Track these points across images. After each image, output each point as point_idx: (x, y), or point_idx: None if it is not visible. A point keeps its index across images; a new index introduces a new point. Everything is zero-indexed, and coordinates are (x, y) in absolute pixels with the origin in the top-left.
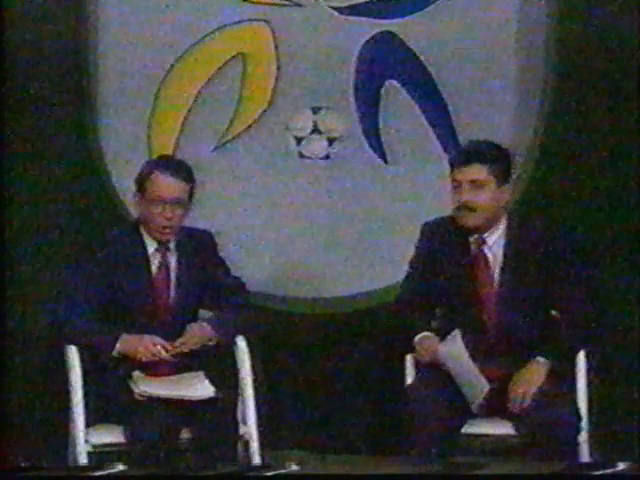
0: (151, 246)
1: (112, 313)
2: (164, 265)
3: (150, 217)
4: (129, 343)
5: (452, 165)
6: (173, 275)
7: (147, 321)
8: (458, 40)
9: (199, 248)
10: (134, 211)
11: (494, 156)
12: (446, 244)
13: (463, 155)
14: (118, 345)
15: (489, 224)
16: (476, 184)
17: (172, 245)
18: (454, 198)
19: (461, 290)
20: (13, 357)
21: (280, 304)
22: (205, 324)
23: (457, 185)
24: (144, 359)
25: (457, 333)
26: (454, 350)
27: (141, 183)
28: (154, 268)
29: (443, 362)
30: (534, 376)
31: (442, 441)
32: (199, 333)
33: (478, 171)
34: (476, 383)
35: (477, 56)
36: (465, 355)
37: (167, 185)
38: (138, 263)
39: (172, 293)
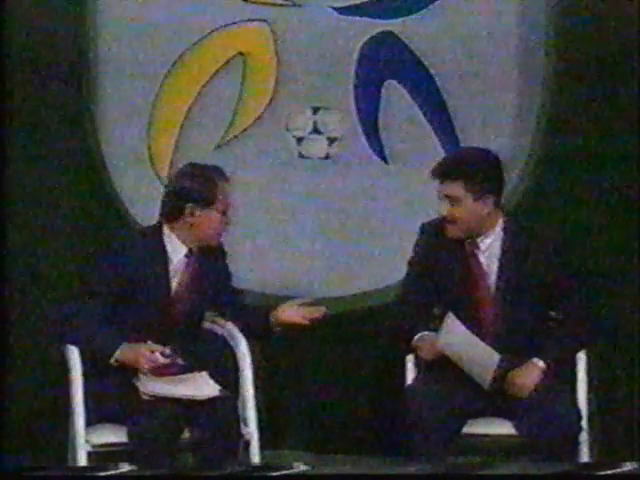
0: (180, 251)
1: (123, 315)
2: (188, 270)
3: (210, 224)
4: (128, 353)
5: (433, 176)
6: (194, 280)
7: (159, 323)
8: (458, 40)
9: (214, 252)
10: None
11: (468, 172)
12: (444, 245)
13: (438, 171)
14: (118, 354)
15: (477, 232)
16: (452, 199)
17: (196, 250)
18: (438, 209)
19: (458, 292)
20: (13, 357)
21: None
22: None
23: (438, 196)
24: (146, 367)
25: (451, 315)
26: (454, 333)
27: (208, 193)
28: (179, 272)
29: (446, 352)
30: (527, 377)
31: (442, 441)
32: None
33: (452, 188)
34: (485, 355)
35: (477, 56)
36: (466, 332)
37: (228, 193)
38: (158, 268)
39: (190, 297)
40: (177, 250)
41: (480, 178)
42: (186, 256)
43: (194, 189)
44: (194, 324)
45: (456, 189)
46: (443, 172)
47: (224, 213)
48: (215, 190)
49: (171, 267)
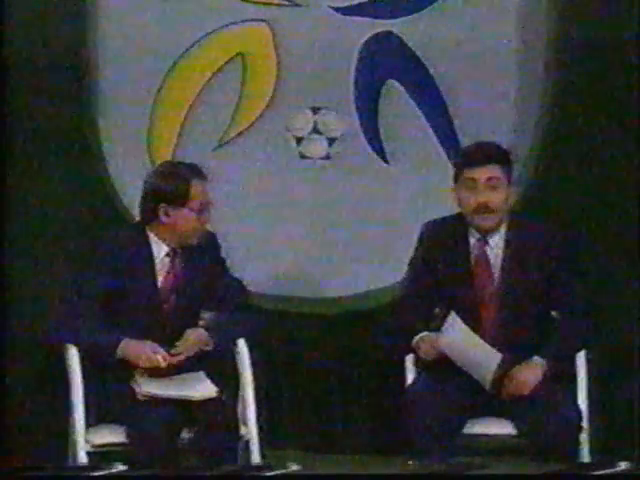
0: (162, 250)
1: (114, 314)
2: (172, 269)
3: (185, 223)
4: (130, 349)
5: (465, 164)
6: (179, 279)
7: (149, 323)
8: (458, 40)
9: (203, 249)
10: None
11: (504, 156)
12: (446, 244)
13: (480, 154)
14: (119, 350)
15: (499, 225)
16: (492, 184)
17: (179, 248)
18: (467, 199)
19: (461, 290)
20: (13, 357)
21: (280, 304)
22: (202, 330)
23: (471, 185)
24: (143, 366)
25: (454, 315)
26: (456, 333)
27: (180, 193)
28: (163, 272)
29: (447, 352)
30: (528, 375)
31: (442, 441)
32: (196, 339)
33: (494, 170)
34: (487, 355)
35: (477, 56)
36: (468, 332)
37: (204, 191)
38: (144, 266)
39: (177, 296)
40: (159, 249)
41: (510, 164)
42: (167, 255)
43: (166, 189)
44: (187, 323)
45: (497, 171)
46: (484, 155)
47: (200, 211)
48: (188, 189)
49: (157, 265)
